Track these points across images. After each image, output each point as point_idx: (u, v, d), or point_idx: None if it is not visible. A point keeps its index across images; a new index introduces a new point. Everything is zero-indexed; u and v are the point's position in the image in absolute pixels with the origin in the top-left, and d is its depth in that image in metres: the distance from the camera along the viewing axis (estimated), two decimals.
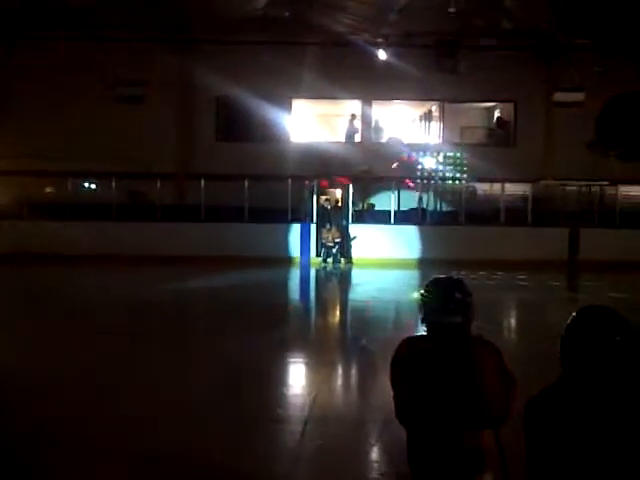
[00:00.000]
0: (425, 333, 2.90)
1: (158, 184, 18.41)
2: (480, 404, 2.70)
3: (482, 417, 2.72)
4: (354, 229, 17.96)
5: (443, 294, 2.86)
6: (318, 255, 17.77)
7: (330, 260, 17.50)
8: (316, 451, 5.20)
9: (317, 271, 17.27)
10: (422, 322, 2.91)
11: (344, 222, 17.93)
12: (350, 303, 13.72)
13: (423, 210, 19.36)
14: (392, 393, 2.91)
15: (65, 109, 18.59)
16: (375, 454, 5.22)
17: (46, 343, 8.51)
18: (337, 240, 17.54)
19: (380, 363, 8.09)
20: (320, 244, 17.75)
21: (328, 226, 17.55)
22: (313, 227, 18.00)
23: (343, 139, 20.70)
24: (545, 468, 2.17)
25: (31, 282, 14.44)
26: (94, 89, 18.28)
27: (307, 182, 18.60)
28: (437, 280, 2.97)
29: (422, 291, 2.93)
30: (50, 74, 18.44)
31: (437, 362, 2.76)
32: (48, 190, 19.59)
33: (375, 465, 5.07)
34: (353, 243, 17.80)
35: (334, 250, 17.53)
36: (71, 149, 18.09)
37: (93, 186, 20.22)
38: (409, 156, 19.43)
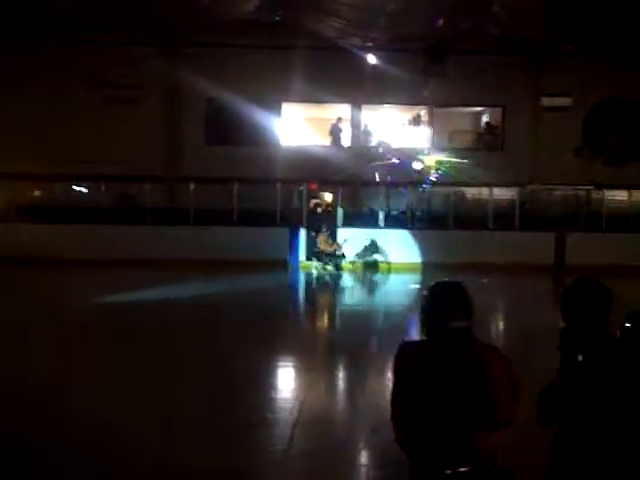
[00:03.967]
0: (424, 338, 2.82)
1: (147, 187, 18.40)
2: (490, 408, 2.67)
3: (491, 421, 2.69)
4: (344, 232, 17.96)
5: (451, 298, 2.79)
6: (308, 259, 17.74)
7: (319, 264, 17.46)
8: (304, 455, 5.23)
9: (307, 275, 17.28)
10: (424, 326, 2.82)
11: (335, 226, 17.91)
12: (340, 307, 13.75)
13: (412, 214, 19.43)
14: (391, 398, 2.84)
15: (54, 112, 18.46)
16: (363, 458, 5.26)
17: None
18: (330, 243, 17.49)
19: (369, 367, 8.15)
20: (311, 248, 17.69)
21: (323, 230, 17.36)
22: (303, 231, 18.01)
23: (329, 142, 20.69)
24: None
25: (11, 286, 14.30)
26: (83, 92, 18.30)
27: (298, 186, 18.62)
28: (443, 284, 2.88)
29: (426, 294, 2.84)
30: (38, 77, 18.37)
31: (447, 367, 2.70)
32: (36, 193, 19.50)
33: (363, 469, 5.11)
34: (344, 246, 17.78)
35: (330, 255, 17.44)
36: (60, 152, 18.02)
37: (82, 189, 20.14)
38: (398, 160, 19.45)
